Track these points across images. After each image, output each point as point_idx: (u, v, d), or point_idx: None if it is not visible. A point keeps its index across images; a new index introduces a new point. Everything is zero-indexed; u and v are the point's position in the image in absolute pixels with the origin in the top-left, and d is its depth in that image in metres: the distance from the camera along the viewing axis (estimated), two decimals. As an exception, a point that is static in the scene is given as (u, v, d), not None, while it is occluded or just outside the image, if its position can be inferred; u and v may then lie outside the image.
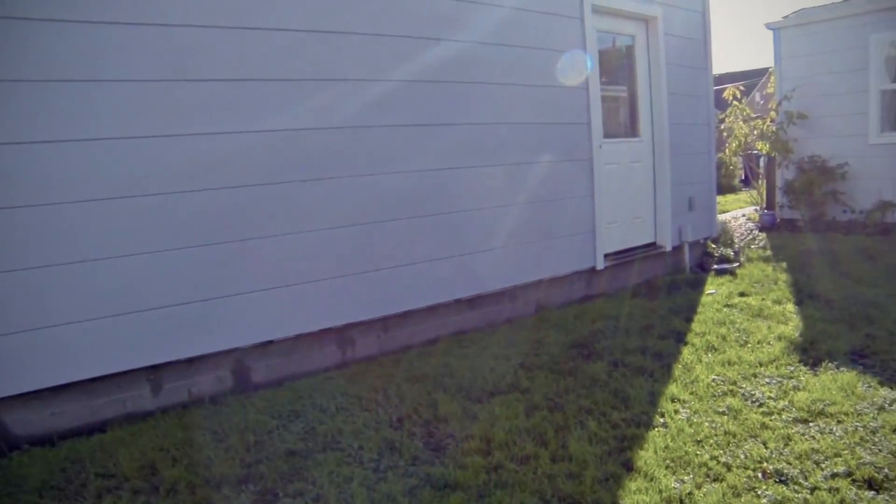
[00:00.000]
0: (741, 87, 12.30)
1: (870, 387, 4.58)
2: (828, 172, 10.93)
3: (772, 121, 11.48)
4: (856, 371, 4.86)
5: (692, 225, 8.43)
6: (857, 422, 4.06)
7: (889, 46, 10.73)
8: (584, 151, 7.06)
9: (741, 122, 11.87)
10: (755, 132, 11.58)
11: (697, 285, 7.54)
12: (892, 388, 4.54)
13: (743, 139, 11.82)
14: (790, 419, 4.14)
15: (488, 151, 6.23)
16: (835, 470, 3.52)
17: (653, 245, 8.16)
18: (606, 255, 7.36)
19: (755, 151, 12.36)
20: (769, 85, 12.19)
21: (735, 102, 11.97)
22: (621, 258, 7.57)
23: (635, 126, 8.09)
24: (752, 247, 9.69)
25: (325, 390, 4.83)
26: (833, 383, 4.61)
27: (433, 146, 5.84)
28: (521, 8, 6.48)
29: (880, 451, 3.71)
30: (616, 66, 8.34)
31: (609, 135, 7.64)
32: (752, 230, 11.25)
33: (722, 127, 12.19)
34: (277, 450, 3.91)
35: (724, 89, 12.42)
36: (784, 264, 8.44)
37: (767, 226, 11.42)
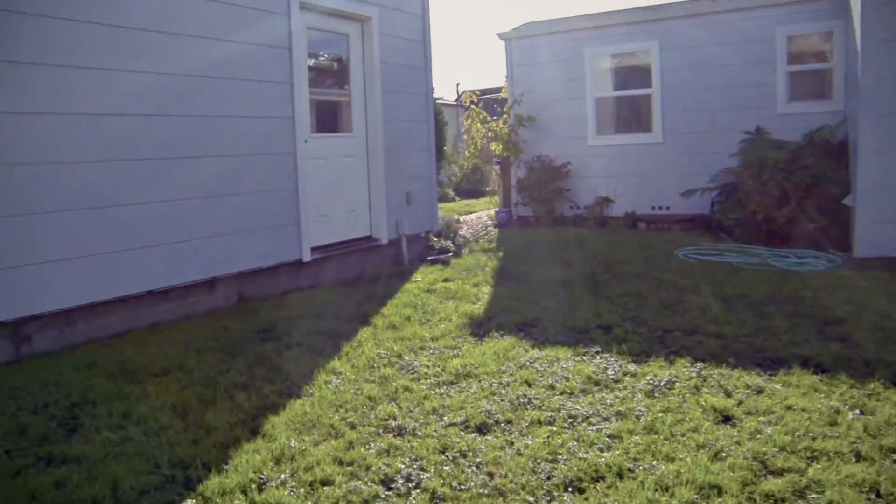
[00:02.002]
0: (476, 92, 13.00)
1: (522, 350, 4.94)
2: (554, 171, 11.78)
3: (504, 123, 12.18)
4: (517, 338, 5.22)
5: (411, 219, 8.69)
6: (495, 379, 4.35)
7: (609, 58, 11.87)
8: (288, 145, 7.06)
9: (479, 125, 12.48)
10: (489, 134, 12.23)
11: (407, 275, 7.78)
12: (540, 350, 4.93)
13: (480, 140, 12.43)
14: (436, 383, 4.34)
15: (182, 143, 6.07)
16: (453, 420, 3.74)
17: (369, 238, 8.32)
18: (317, 248, 7.40)
19: (497, 158, 13.04)
20: (503, 91, 12.97)
21: (472, 107, 12.58)
22: (334, 251, 7.65)
23: (348, 122, 8.22)
24: (480, 241, 10.18)
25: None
26: (490, 350, 4.92)
27: (126, 140, 5.63)
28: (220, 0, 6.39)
29: (503, 401, 3.99)
30: (332, 63, 8.44)
31: (320, 130, 7.72)
32: (487, 227, 11.85)
33: (462, 130, 12.75)
34: None
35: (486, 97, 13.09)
36: (500, 254, 8.95)
37: (503, 223, 12.09)
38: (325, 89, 8.26)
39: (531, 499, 2.94)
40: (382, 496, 3.00)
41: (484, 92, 15.75)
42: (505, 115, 12.31)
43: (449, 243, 9.07)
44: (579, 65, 11.90)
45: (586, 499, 2.92)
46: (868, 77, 7.65)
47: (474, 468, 3.21)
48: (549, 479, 3.09)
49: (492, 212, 13.55)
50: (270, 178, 6.89)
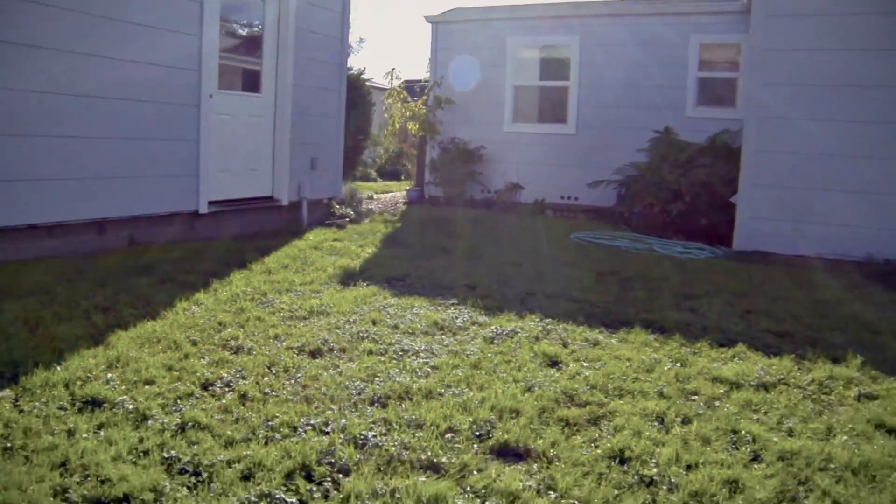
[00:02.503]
0: (400, 76, 13.23)
1: (382, 297, 5.16)
2: (468, 154, 12.04)
3: (423, 104, 12.39)
4: (381, 288, 5.43)
5: (314, 183, 8.83)
6: (344, 318, 4.56)
7: (530, 49, 12.19)
8: (192, 98, 7.11)
9: (399, 105, 12.67)
10: (408, 113, 12.43)
11: (301, 234, 7.93)
12: (399, 298, 5.15)
13: (399, 119, 12.62)
14: (289, 317, 4.53)
15: (76, 81, 6.05)
16: (290, 345, 3.95)
17: (270, 198, 8.43)
18: (215, 202, 7.46)
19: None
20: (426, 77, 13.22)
21: (395, 87, 12.76)
22: (232, 206, 7.74)
23: (258, 82, 8.31)
24: (385, 214, 10.38)
25: None
26: (351, 295, 5.13)
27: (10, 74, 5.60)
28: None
29: (343, 334, 4.21)
30: (246, 25, 8.52)
31: (227, 87, 7.78)
32: (398, 204, 12.05)
33: (383, 109, 12.92)
34: None
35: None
36: (399, 224, 9.18)
37: (413, 200, 12.31)
38: (238, 51, 8.34)
39: (334, 407, 3.15)
40: (197, 395, 3.18)
41: (416, 81, 15.97)
42: (424, 97, 12.51)
43: (350, 211, 9.24)
44: (501, 53, 12.19)
45: (386, 412, 3.13)
46: (754, 83, 8.10)
47: (292, 381, 3.41)
48: (358, 394, 3.31)
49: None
50: (171, 127, 6.93)
